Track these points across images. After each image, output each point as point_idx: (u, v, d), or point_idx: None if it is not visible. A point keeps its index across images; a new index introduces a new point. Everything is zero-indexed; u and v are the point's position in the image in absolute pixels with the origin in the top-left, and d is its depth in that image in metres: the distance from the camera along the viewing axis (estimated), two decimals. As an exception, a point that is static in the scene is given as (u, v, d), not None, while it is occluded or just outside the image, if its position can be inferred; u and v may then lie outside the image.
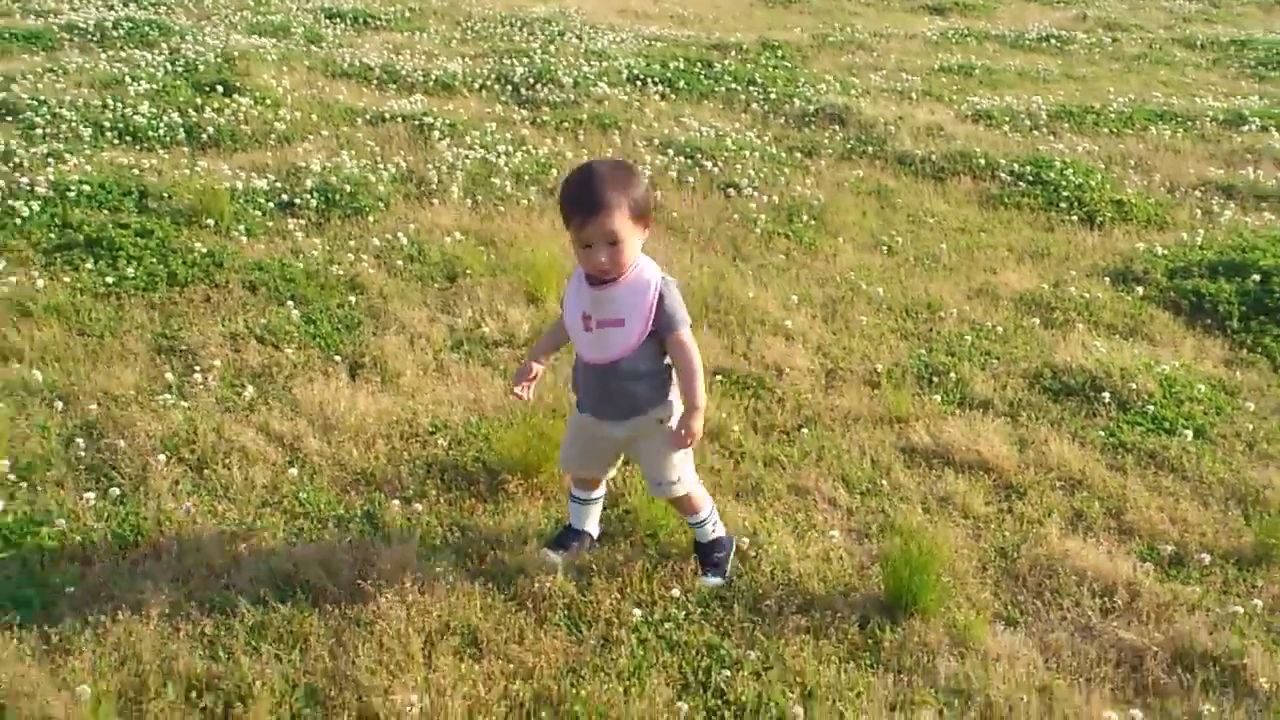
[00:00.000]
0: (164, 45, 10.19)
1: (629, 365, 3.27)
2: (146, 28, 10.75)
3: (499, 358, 5.12)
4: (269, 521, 3.86)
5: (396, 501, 4.03)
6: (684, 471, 3.49)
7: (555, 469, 4.10)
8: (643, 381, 3.32)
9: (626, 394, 3.33)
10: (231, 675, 3.16)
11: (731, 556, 3.70)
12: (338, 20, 12.01)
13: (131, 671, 3.13)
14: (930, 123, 8.84)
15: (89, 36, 10.41)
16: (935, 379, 5.11)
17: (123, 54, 9.70)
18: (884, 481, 4.34)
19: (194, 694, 3.08)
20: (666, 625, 3.50)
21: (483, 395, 4.78)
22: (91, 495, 3.92)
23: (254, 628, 3.38)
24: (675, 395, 3.38)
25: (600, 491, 3.76)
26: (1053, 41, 12.67)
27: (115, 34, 10.50)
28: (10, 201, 6.20)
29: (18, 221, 5.99)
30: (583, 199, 3.10)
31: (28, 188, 6.39)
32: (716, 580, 3.63)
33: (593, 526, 3.77)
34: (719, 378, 5.00)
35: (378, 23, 12.08)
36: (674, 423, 3.34)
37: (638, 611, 3.52)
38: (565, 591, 3.59)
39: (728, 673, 3.30)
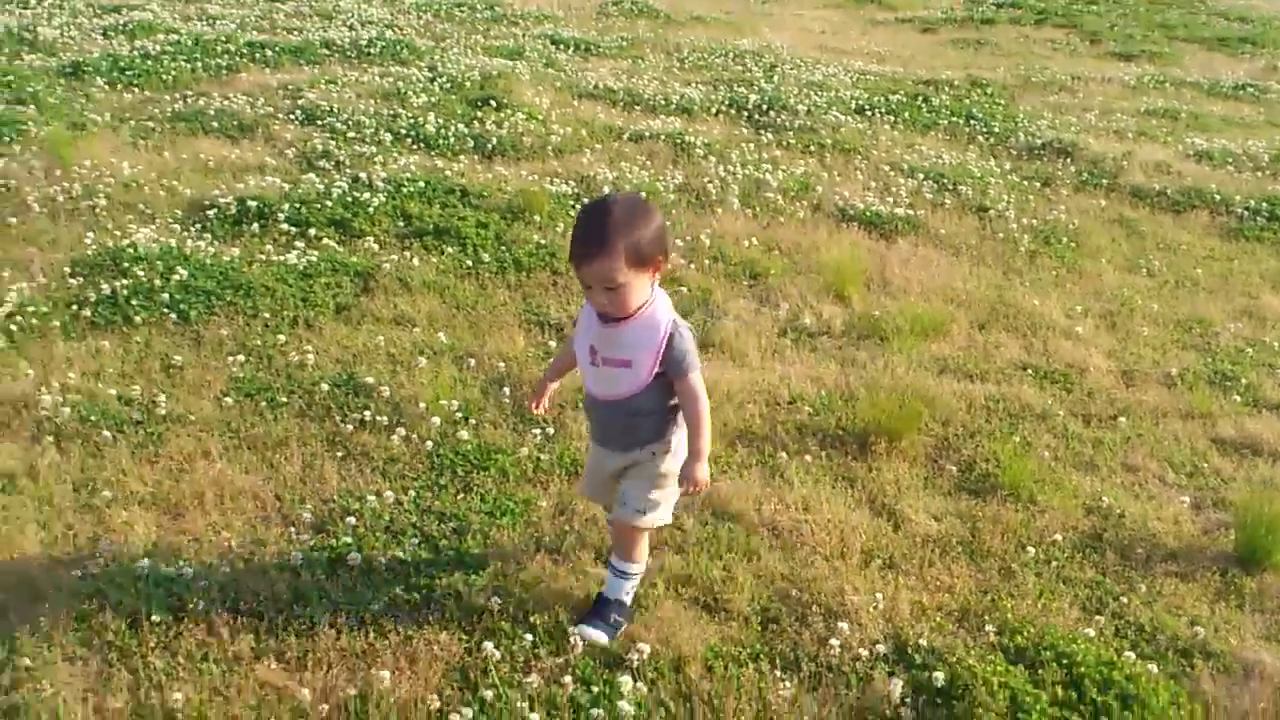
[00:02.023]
0: (419, 63, 10.97)
1: (634, 404, 3.24)
2: (397, 47, 11.56)
3: (823, 345, 5.70)
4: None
5: (784, 454, 4.61)
6: (656, 511, 3.39)
7: (916, 436, 4.67)
8: (646, 419, 3.28)
9: (629, 429, 3.31)
10: (707, 573, 3.80)
11: (621, 631, 3.50)
12: (563, 47, 12.77)
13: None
14: (1157, 160, 9.29)
15: (347, 53, 11.25)
16: (1227, 383, 5.58)
17: (389, 70, 10.51)
18: (1204, 465, 4.84)
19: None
20: (1053, 564, 4.03)
21: (822, 374, 5.35)
22: (537, 432, 4.57)
23: (704, 540, 4.01)
24: (676, 433, 3.33)
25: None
26: (1249, 90, 12.99)
27: (371, 51, 11.33)
28: (355, 193, 6.94)
29: (369, 210, 6.71)
30: (582, 240, 3.02)
31: (367, 182, 7.14)
32: (600, 636, 3.43)
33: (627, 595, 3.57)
34: (1027, 371, 5.52)
35: (599, 50, 12.82)
36: (672, 461, 3.31)
37: (1031, 550, 4.06)
38: (958, 532, 4.14)
39: (1119, 602, 3.82)
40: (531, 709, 3.14)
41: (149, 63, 9.96)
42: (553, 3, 15.50)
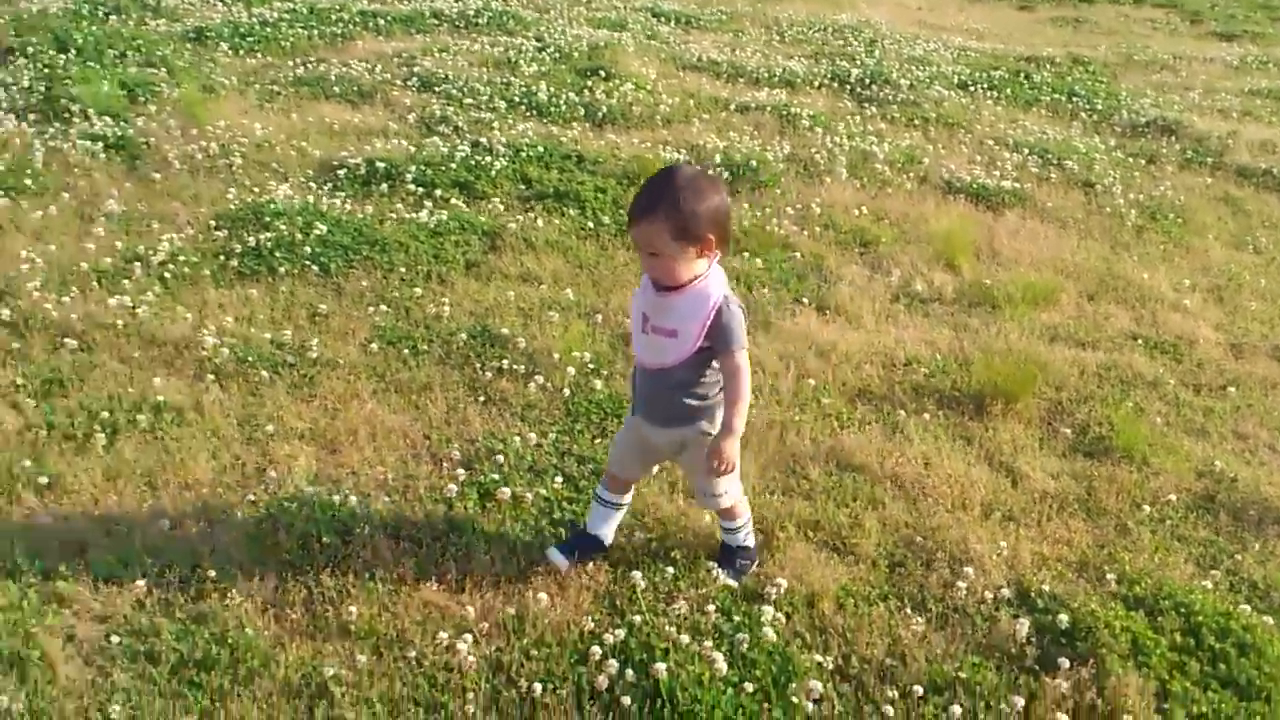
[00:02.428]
0: (526, 34, 11.20)
1: (678, 375, 3.24)
2: (503, 17, 11.79)
3: (935, 311, 5.85)
4: (804, 416, 4.67)
5: (902, 412, 4.78)
6: (729, 484, 3.47)
7: (1030, 399, 4.82)
8: (689, 393, 3.28)
9: (672, 402, 3.30)
10: (834, 519, 4.01)
11: (751, 568, 3.69)
12: (663, 19, 12.93)
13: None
14: (1262, 139, 9.28)
15: (456, 23, 11.50)
16: (1339, 358, 5.65)
17: (498, 40, 10.75)
18: (1316, 436, 4.93)
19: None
20: (1167, 522, 4.18)
21: (936, 338, 5.51)
22: None
23: (830, 488, 4.24)
24: (717, 413, 3.34)
25: (627, 498, 3.71)
26: (1357, 72, 12.86)
27: (478, 22, 11.56)
28: (476, 157, 7.18)
29: (491, 174, 6.96)
30: (636, 203, 3.10)
31: (487, 146, 7.39)
32: (732, 581, 3.61)
33: (608, 534, 3.70)
34: (1137, 341, 5.64)
35: (699, 23, 12.96)
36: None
37: (1147, 508, 4.22)
38: (1074, 490, 4.29)
39: (1233, 559, 3.96)
40: (679, 633, 3.34)
41: (268, 29, 10.27)
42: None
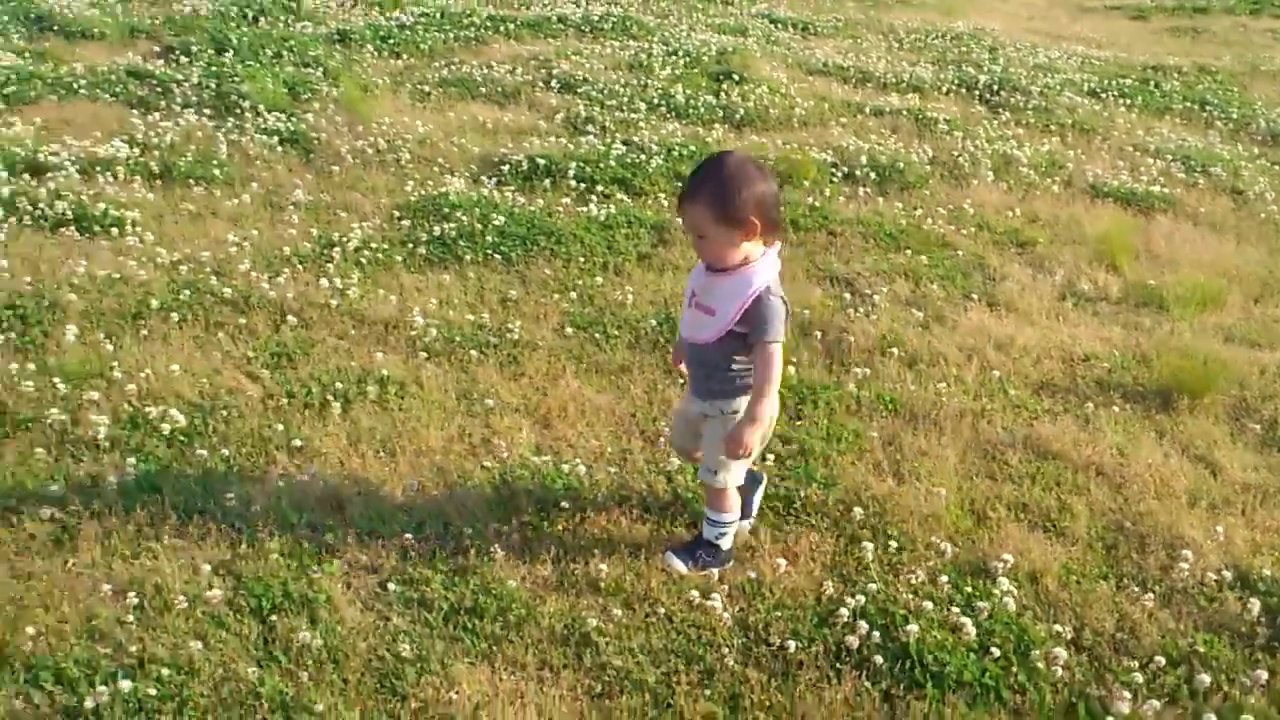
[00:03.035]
0: (650, 38, 11.40)
1: (711, 353, 3.34)
2: (627, 23, 12.00)
3: (1103, 310, 5.94)
4: (993, 405, 4.84)
5: (1090, 405, 4.89)
6: (727, 471, 3.48)
7: (1216, 395, 4.90)
8: (720, 372, 3.37)
9: (707, 377, 3.42)
10: (1041, 502, 4.15)
11: (713, 570, 3.65)
12: (780, 25, 13.08)
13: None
14: None
15: (581, 27, 11.72)
16: None
17: (626, 44, 10.96)
18: None
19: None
20: None
21: (1110, 335, 5.60)
22: (857, 371, 4.94)
23: (1031, 474, 4.35)
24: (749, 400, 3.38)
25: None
26: None
27: (603, 27, 11.77)
28: (631, 155, 7.38)
29: (648, 171, 7.15)
30: (684, 186, 3.24)
31: (640, 145, 7.58)
32: (678, 565, 3.60)
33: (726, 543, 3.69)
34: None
35: (816, 30, 13.10)
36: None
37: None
38: (1274, 483, 4.37)
39: None
40: (918, 600, 3.49)
41: (406, 32, 10.58)
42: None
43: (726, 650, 3.31)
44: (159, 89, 8.24)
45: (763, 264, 3.25)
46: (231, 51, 9.27)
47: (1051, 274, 6.31)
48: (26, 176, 6.44)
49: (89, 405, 4.29)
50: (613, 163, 7.24)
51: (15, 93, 7.88)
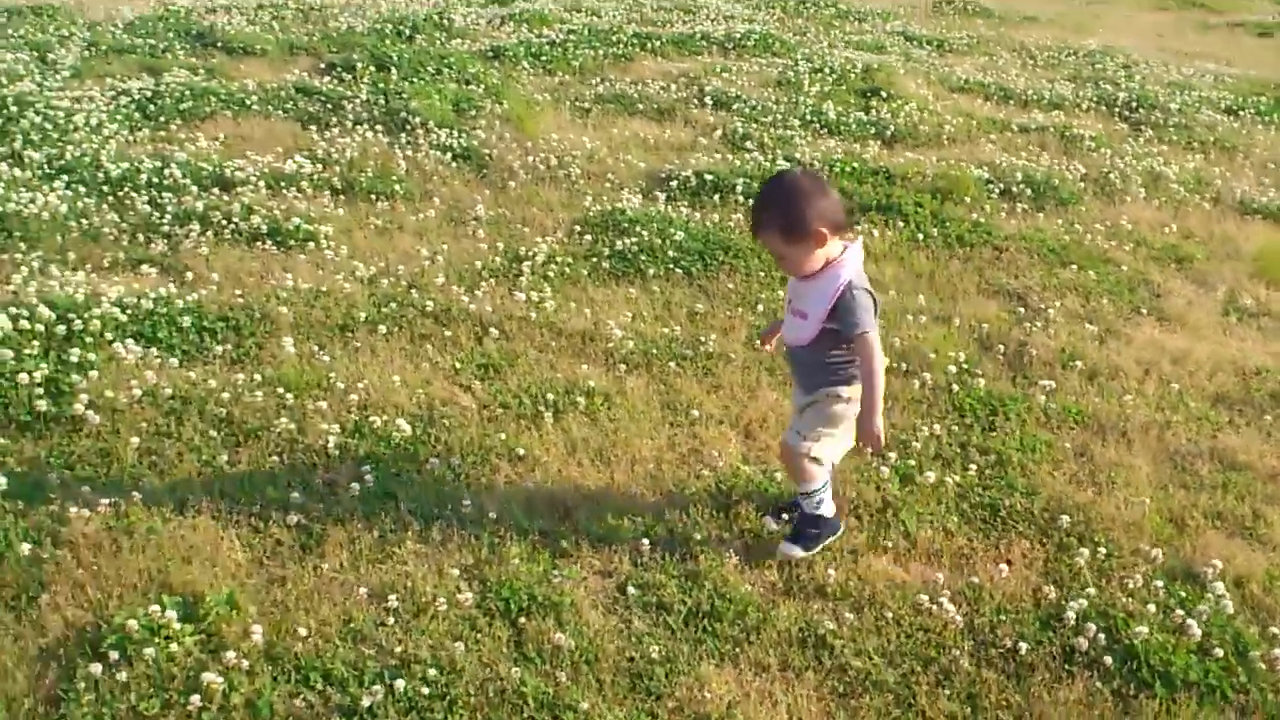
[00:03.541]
0: (791, 55, 11.59)
1: (808, 353, 3.56)
2: (769, 40, 12.20)
3: (1267, 325, 6.04)
4: (1176, 417, 5.01)
5: (1268, 416, 5.01)
6: (818, 443, 3.68)
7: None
8: (820, 368, 3.58)
9: (809, 375, 3.65)
10: (1235, 511, 4.30)
11: (825, 540, 3.86)
12: (916, 43, 13.20)
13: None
14: None
15: (725, 45, 11.94)
16: None
17: (772, 61, 11.18)
18: None
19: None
20: None
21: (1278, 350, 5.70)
22: (1045, 383, 5.10)
23: (1220, 484, 4.48)
24: (856, 385, 3.58)
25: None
26: None
27: (745, 44, 11.99)
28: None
29: (811, 186, 7.33)
30: (751, 215, 3.51)
31: (799, 161, 7.79)
32: (795, 551, 3.80)
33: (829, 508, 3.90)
34: None
35: (951, 47, 13.19)
36: (845, 408, 3.60)
37: None
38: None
39: None
40: (1139, 604, 3.66)
41: (556, 49, 10.87)
42: (889, 0, 15.93)
43: (958, 651, 3.50)
44: (329, 105, 8.61)
45: (845, 261, 3.45)
46: (394, 69, 9.61)
47: (1213, 289, 6.41)
48: (217, 191, 6.78)
49: (315, 414, 4.57)
50: (776, 179, 7.40)
51: (192, 109, 8.32)
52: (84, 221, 6.24)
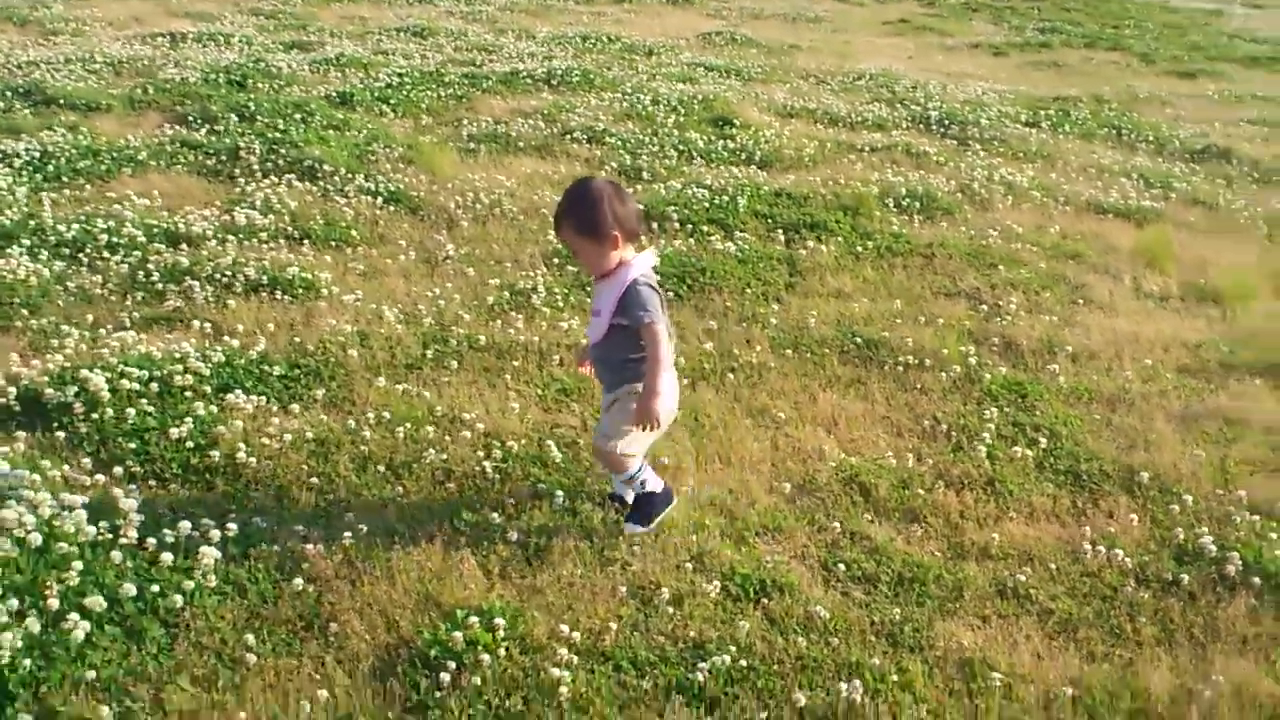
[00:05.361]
0: (619, 90, 12.09)
1: (605, 349, 3.82)
2: (589, 76, 12.67)
3: (1175, 305, 7.03)
4: (1168, 386, 5.81)
5: (1232, 382, 5.92)
6: (623, 440, 3.92)
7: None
8: (617, 368, 3.83)
9: (603, 371, 3.93)
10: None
11: (661, 512, 4.16)
12: (717, 72, 13.96)
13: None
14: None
15: (551, 82, 12.29)
16: None
17: (606, 95, 11.70)
18: None
19: None
20: None
21: (1196, 325, 6.68)
22: (1054, 367, 5.85)
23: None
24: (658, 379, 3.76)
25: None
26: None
27: (569, 80, 12.38)
28: (716, 198, 8.16)
29: (738, 209, 7.95)
30: (555, 211, 3.81)
31: (713, 188, 8.38)
32: (637, 529, 4.08)
33: (654, 484, 4.16)
34: None
35: (750, 75, 14.05)
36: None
37: None
38: None
39: None
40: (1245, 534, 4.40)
41: (400, 92, 11.08)
42: (657, 33, 16.68)
43: (1129, 588, 4.16)
44: (222, 158, 8.53)
45: (637, 262, 3.74)
46: (257, 118, 9.62)
47: (1119, 279, 7.37)
48: (185, 246, 6.76)
49: (453, 444, 4.77)
50: (707, 205, 7.94)
51: (90, 168, 8.13)
52: (69, 285, 6.09)
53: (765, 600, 3.90)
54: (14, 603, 3.45)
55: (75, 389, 4.77)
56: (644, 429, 3.79)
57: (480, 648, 3.48)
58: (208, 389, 4.96)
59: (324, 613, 3.68)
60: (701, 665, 3.51)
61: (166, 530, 3.94)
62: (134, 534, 3.87)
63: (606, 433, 3.92)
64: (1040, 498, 4.68)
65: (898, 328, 6.24)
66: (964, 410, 5.38)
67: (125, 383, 4.79)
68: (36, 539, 3.67)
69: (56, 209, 7.24)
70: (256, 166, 8.37)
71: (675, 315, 6.24)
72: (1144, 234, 8.20)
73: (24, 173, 7.85)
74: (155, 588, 3.67)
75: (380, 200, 7.83)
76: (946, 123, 11.54)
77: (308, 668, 3.46)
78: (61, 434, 4.59)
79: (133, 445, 4.56)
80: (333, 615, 3.66)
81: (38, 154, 8.20)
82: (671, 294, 6.51)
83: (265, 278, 6.30)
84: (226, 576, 3.81)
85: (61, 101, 9.98)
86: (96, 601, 3.51)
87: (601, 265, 3.73)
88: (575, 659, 3.52)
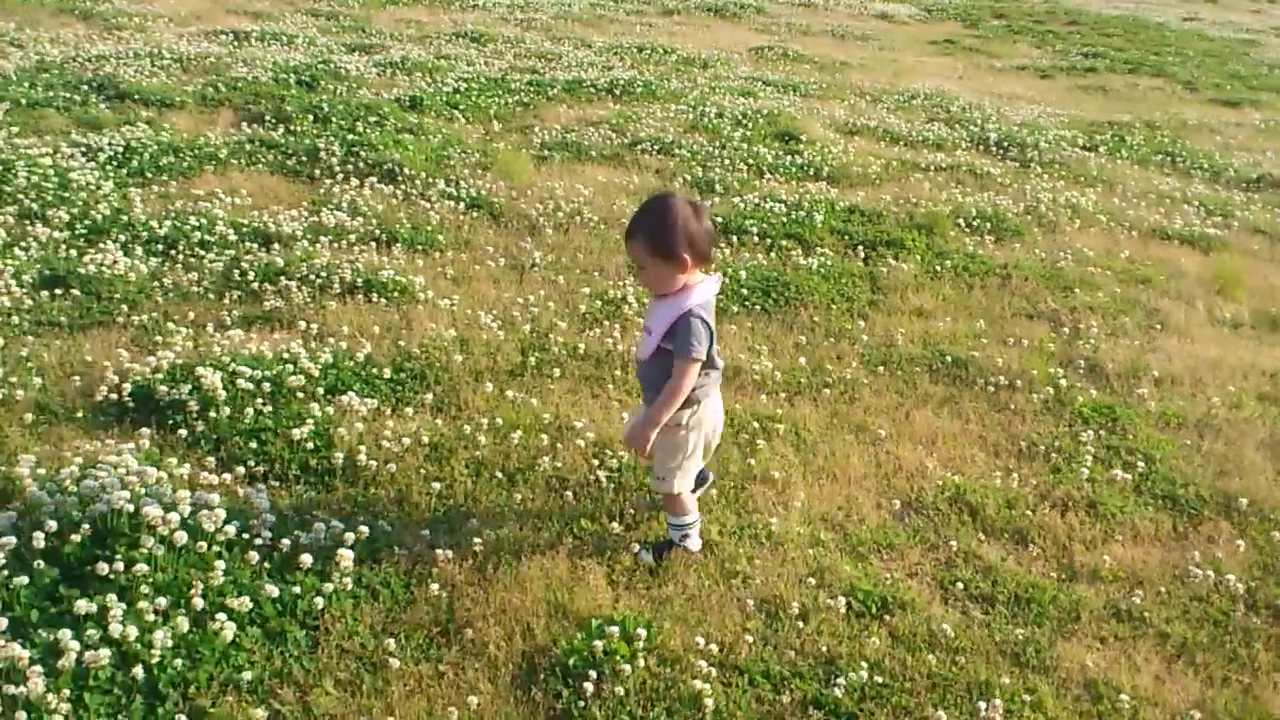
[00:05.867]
0: (684, 101, 12.23)
1: (650, 369, 3.73)
2: (652, 87, 12.79)
3: (1249, 333, 7.10)
4: (1230, 413, 5.86)
5: (1319, 412, 5.98)
6: (673, 477, 3.89)
7: None
8: (657, 387, 3.68)
9: (649, 391, 3.79)
10: None
11: (663, 562, 4.07)
12: (775, 87, 14.07)
13: None
14: None
15: (614, 92, 12.39)
16: None
17: (671, 106, 11.80)
18: None
19: None
20: None
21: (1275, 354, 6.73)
22: (1143, 390, 5.91)
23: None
24: (690, 411, 3.80)
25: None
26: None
27: (632, 91, 12.49)
28: (792, 214, 8.24)
29: (814, 224, 8.04)
30: (629, 224, 3.68)
31: (788, 203, 8.46)
32: (649, 559, 4.07)
33: (694, 546, 4.17)
34: None
35: (806, 91, 14.14)
36: (687, 434, 3.83)
37: None
38: None
39: None
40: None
41: (466, 98, 11.16)
42: (708, 46, 16.77)
43: (1240, 612, 4.20)
44: (301, 158, 8.64)
45: (697, 290, 3.63)
46: (333, 119, 9.74)
47: (1192, 305, 7.42)
48: (277, 246, 6.85)
49: (564, 452, 4.83)
50: (784, 220, 8.03)
51: (173, 164, 8.25)
52: (164, 281, 6.19)
53: (888, 617, 3.95)
54: (161, 601, 3.53)
55: (189, 387, 4.84)
56: (632, 451, 3.85)
57: (619, 658, 3.53)
58: (319, 390, 5.02)
59: (459, 618, 3.74)
60: (837, 681, 3.56)
61: (298, 532, 4.01)
62: (267, 534, 3.95)
63: (660, 475, 3.91)
64: (1143, 521, 4.75)
65: (984, 348, 6.30)
66: (1057, 432, 5.43)
67: (240, 382, 4.82)
68: (182, 537, 3.72)
69: (145, 205, 7.30)
70: (337, 168, 8.46)
71: (762, 328, 6.39)
72: (1213, 260, 8.23)
73: (108, 168, 7.97)
74: (296, 589, 3.74)
75: (462, 206, 7.92)
76: (1005, 144, 11.61)
77: (449, 674, 3.52)
78: (182, 432, 4.66)
79: (253, 445, 4.63)
80: (467, 621, 3.73)
81: (120, 149, 8.31)
82: (757, 307, 6.58)
83: (360, 280, 6.37)
84: (359, 579, 3.88)
85: (135, 97, 10.10)
86: (242, 602, 3.59)
87: (665, 286, 3.65)
88: (714, 671, 3.56)
